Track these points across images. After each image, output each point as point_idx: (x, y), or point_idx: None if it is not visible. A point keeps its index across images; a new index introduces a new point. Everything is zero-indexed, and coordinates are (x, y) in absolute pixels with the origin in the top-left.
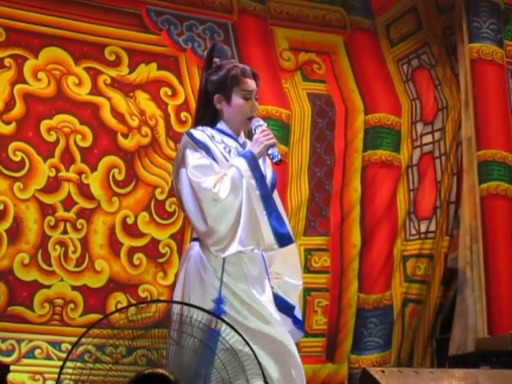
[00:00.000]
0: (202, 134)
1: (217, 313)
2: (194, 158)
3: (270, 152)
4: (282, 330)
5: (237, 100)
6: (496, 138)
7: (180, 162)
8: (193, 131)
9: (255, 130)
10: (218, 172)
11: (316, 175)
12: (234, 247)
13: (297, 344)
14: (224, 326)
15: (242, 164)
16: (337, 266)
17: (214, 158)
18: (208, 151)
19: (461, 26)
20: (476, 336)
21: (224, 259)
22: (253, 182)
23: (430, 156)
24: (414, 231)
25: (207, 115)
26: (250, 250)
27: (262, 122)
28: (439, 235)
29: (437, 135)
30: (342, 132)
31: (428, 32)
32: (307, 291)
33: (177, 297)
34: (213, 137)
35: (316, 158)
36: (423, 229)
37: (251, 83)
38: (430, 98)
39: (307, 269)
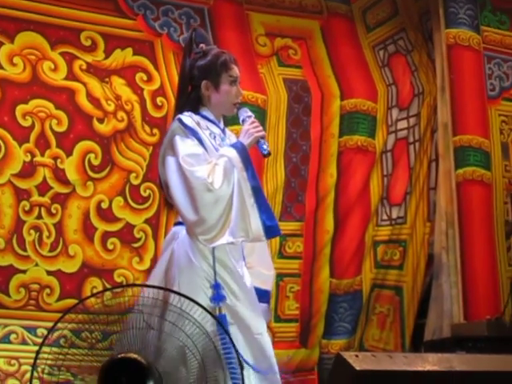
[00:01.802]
0: (191, 120)
1: (217, 298)
2: (185, 145)
3: (259, 144)
4: (263, 320)
5: (225, 86)
6: (472, 123)
7: (167, 149)
8: (182, 117)
9: (243, 121)
10: (210, 161)
11: (292, 160)
12: (225, 238)
13: (270, 329)
14: (200, 311)
15: (234, 155)
16: (309, 251)
17: (204, 146)
18: (199, 139)
19: (437, 12)
20: (452, 321)
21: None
22: (244, 173)
23: (405, 142)
24: (385, 217)
25: (191, 101)
26: (240, 241)
27: (250, 113)
28: (412, 221)
29: (412, 121)
30: (318, 117)
31: (404, 17)
32: (280, 276)
33: (157, 277)
34: (198, 123)
35: (292, 143)
36: (394, 215)
37: (237, 69)
38: (406, 83)
39: (281, 254)
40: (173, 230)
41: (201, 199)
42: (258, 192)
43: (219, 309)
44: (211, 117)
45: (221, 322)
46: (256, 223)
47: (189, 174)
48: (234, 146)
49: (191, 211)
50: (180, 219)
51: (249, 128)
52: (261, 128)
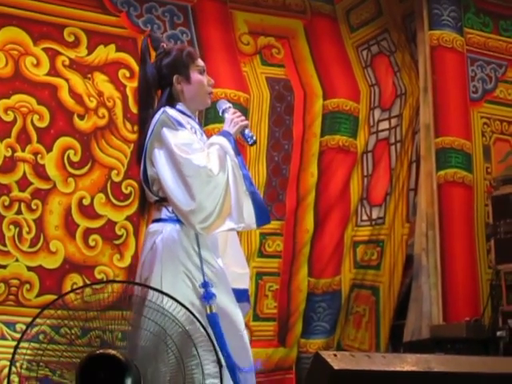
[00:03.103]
0: (176, 112)
1: (208, 296)
2: (176, 135)
3: (245, 133)
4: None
5: (195, 76)
6: (454, 125)
7: (154, 141)
8: (168, 110)
9: (224, 112)
10: (203, 149)
11: (274, 159)
12: (226, 225)
13: (248, 327)
14: (179, 308)
15: (225, 142)
16: (289, 250)
17: None
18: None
19: (421, 13)
20: (431, 323)
21: (198, 242)
22: (236, 160)
23: (386, 142)
24: (365, 217)
25: (165, 100)
26: (241, 227)
27: (229, 104)
28: (390, 221)
29: (393, 122)
30: (301, 117)
31: (388, 18)
32: (259, 275)
33: (138, 277)
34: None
35: (274, 142)
36: (374, 215)
37: (201, 61)
38: (389, 84)
39: (261, 253)
40: (153, 228)
41: (199, 186)
42: (248, 179)
43: (210, 307)
44: (188, 112)
45: (210, 320)
46: (248, 210)
47: (185, 162)
48: (222, 134)
49: (187, 200)
50: (160, 216)
51: (233, 117)
52: (244, 117)
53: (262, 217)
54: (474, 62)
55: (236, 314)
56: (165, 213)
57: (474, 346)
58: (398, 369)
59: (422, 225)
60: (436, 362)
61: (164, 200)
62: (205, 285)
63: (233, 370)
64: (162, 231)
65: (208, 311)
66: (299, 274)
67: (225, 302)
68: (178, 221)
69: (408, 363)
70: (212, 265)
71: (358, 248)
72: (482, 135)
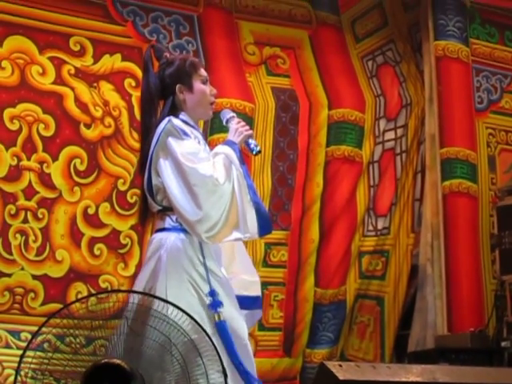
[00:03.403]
0: (180, 122)
1: (215, 305)
2: (182, 144)
3: (249, 142)
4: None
5: (198, 85)
6: (459, 135)
7: (159, 151)
8: (173, 119)
9: (228, 121)
10: (209, 159)
11: (279, 169)
12: (233, 235)
13: (254, 337)
14: (185, 317)
15: (230, 152)
16: (294, 260)
17: None
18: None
19: (426, 24)
20: (435, 333)
21: (203, 251)
22: (241, 170)
23: (392, 153)
24: (371, 227)
25: (169, 109)
26: (247, 237)
27: (233, 114)
28: (395, 232)
29: (399, 132)
30: (306, 127)
31: (393, 29)
32: (264, 285)
33: (142, 284)
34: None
35: (279, 152)
36: (380, 226)
37: (204, 71)
38: (394, 94)
39: (265, 263)
40: (157, 237)
41: (206, 196)
42: (252, 189)
43: (218, 315)
44: (191, 122)
45: (219, 328)
46: (251, 220)
47: (191, 171)
48: (227, 143)
49: (194, 209)
50: (164, 225)
51: (237, 127)
52: (248, 127)
53: (265, 227)
54: (480, 73)
55: (240, 323)
56: (168, 222)
57: (479, 357)
58: (404, 379)
59: (427, 235)
60: (441, 373)
61: (167, 209)
62: (212, 293)
63: (246, 377)
64: (166, 241)
65: (216, 319)
66: (305, 284)
67: (229, 311)
68: (182, 230)
69: (413, 374)
70: (217, 274)
71: (364, 258)
72: (487, 146)
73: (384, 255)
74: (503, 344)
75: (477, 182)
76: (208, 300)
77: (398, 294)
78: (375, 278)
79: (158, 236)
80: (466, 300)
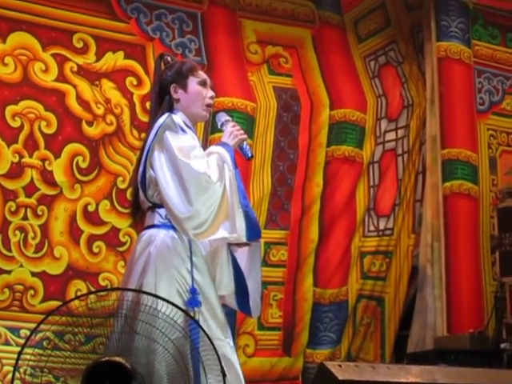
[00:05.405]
0: (180, 118)
1: (193, 303)
2: (179, 139)
3: (243, 147)
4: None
5: (193, 86)
6: (461, 136)
7: (155, 144)
8: (173, 115)
9: (223, 125)
10: (203, 156)
11: (279, 169)
12: (220, 233)
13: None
14: (179, 313)
15: (224, 152)
16: (293, 260)
17: None
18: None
19: (429, 25)
20: (435, 334)
21: (191, 248)
22: (234, 172)
23: (393, 153)
24: (372, 228)
25: (167, 108)
26: (233, 237)
27: (228, 117)
28: (398, 232)
29: (400, 132)
30: (307, 126)
31: (396, 29)
32: (264, 285)
33: (134, 280)
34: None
35: (279, 151)
36: (382, 226)
37: (204, 75)
38: (396, 95)
39: (265, 262)
40: (147, 234)
41: (197, 192)
42: (242, 193)
43: (194, 314)
44: (188, 122)
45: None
46: (240, 223)
47: (185, 166)
48: (221, 145)
49: (184, 205)
50: (153, 222)
51: (232, 130)
52: (243, 131)
53: (253, 231)
54: (481, 74)
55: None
56: (158, 219)
57: (478, 358)
58: (403, 380)
59: (428, 236)
60: (440, 374)
61: (157, 206)
62: (192, 291)
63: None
64: (156, 238)
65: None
66: (304, 284)
67: (207, 313)
68: (172, 227)
69: (412, 375)
70: (203, 271)
71: (365, 259)
72: (488, 147)
73: (388, 256)
74: (502, 346)
75: (478, 183)
76: (186, 297)
77: (398, 295)
78: (379, 279)
79: (148, 233)
80: (465, 301)
